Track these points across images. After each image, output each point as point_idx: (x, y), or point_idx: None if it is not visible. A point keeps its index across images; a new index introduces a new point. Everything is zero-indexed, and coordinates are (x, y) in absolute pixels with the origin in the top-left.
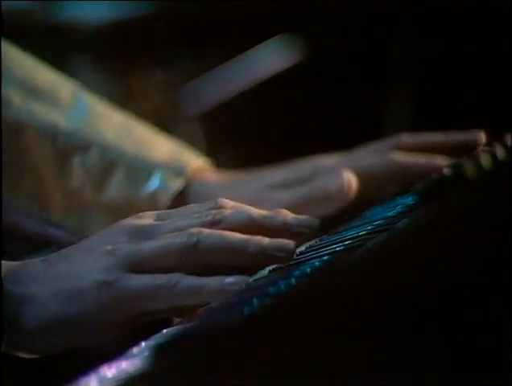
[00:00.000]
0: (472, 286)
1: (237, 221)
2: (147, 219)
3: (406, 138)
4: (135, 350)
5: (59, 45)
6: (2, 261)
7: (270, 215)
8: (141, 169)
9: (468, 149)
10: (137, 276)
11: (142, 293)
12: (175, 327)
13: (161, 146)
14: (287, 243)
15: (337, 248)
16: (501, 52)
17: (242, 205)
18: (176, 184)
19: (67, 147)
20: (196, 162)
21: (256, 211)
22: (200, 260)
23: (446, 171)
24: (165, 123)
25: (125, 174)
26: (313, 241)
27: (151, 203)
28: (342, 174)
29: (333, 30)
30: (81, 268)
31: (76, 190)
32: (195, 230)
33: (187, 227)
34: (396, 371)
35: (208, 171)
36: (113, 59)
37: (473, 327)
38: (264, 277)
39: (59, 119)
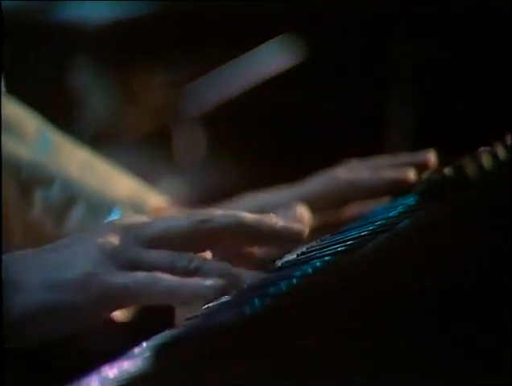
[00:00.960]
0: (473, 286)
1: (226, 223)
2: (139, 219)
3: (356, 164)
4: (137, 350)
5: (60, 45)
6: None
7: (259, 218)
8: (101, 204)
9: (419, 170)
10: (122, 273)
11: (125, 290)
12: (176, 328)
13: (122, 184)
14: (299, 227)
15: (339, 249)
16: (502, 52)
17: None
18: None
19: (30, 179)
20: (155, 199)
21: (246, 214)
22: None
23: (447, 171)
24: (166, 123)
25: (86, 209)
26: (314, 241)
27: None
28: (295, 208)
29: (334, 30)
30: (71, 259)
31: (37, 222)
32: (194, 256)
33: (178, 225)
34: (396, 371)
35: (167, 210)
36: (115, 60)
37: (473, 327)
38: (266, 277)
39: (24, 151)
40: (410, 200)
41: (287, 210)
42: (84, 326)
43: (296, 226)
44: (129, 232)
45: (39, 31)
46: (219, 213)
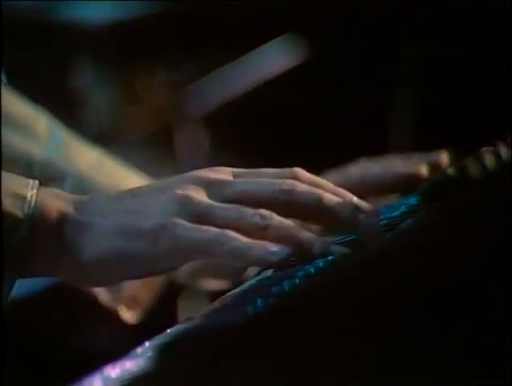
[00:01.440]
0: (474, 286)
1: (307, 200)
2: (223, 173)
3: (367, 161)
4: (139, 350)
5: (62, 45)
6: (71, 195)
7: (343, 203)
8: None
9: (432, 170)
10: (193, 227)
11: (193, 245)
12: (178, 327)
13: (132, 181)
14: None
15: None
16: (505, 52)
17: (320, 181)
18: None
19: (41, 177)
20: None
21: (330, 196)
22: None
23: (450, 171)
24: (168, 123)
25: None
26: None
27: None
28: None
29: (336, 30)
30: (147, 208)
31: None
32: (267, 213)
33: (258, 191)
34: (397, 371)
35: None
36: (117, 60)
37: (474, 327)
38: (268, 277)
39: (35, 149)
40: (413, 200)
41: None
42: (152, 274)
43: (375, 219)
44: (209, 187)
45: (41, 32)
46: (303, 188)
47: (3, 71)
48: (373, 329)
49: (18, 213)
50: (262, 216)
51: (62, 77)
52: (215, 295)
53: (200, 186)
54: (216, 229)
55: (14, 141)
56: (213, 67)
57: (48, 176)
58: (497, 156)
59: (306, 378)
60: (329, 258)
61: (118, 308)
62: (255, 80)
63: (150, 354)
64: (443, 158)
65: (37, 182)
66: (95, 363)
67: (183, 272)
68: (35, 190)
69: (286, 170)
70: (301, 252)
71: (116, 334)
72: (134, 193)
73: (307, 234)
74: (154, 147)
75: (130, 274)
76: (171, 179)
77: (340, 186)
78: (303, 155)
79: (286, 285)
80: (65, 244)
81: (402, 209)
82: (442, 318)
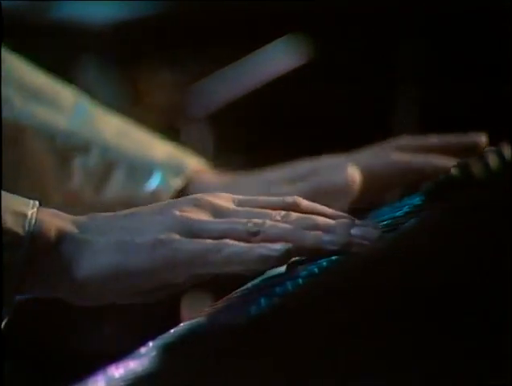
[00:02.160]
0: (475, 286)
1: (302, 220)
2: (225, 200)
3: (407, 140)
4: (143, 350)
5: (65, 45)
6: (70, 216)
7: (335, 224)
8: (141, 168)
9: (470, 151)
10: (189, 240)
11: (190, 256)
12: (182, 327)
13: (159, 147)
14: (372, 231)
15: None
16: (509, 52)
17: (319, 207)
18: (177, 183)
19: (67, 148)
20: (194, 162)
21: (322, 220)
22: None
23: (453, 171)
24: (172, 123)
25: (126, 174)
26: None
27: (152, 202)
28: (347, 168)
29: (340, 30)
30: (145, 226)
31: (77, 191)
32: (260, 221)
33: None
34: (397, 370)
35: (207, 172)
36: (120, 60)
37: (474, 327)
38: (271, 277)
39: (59, 120)
40: (416, 200)
41: (338, 170)
42: (150, 295)
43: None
44: (209, 211)
45: (44, 31)
46: (303, 216)
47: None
48: (376, 329)
49: (19, 230)
50: (256, 224)
51: (65, 77)
52: (218, 295)
53: (200, 209)
54: (212, 240)
55: (37, 112)
56: (217, 67)
57: (73, 147)
58: (501, 156)
59: (309, 378)
60: (333, 258)
61: None
62: (259, 80)
63: (153, 354)
64: (482, 139)
65: (37, 202)
66: (96, 364)
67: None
68: (35, 209)
69: (287, 199)
70: (301, 250)
71: (118, 334)
72: (133, 212)
73: (306, 232)
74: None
75: (130, 291)
76: (170, 202)
77: (382, 172)
78: (307, 155)
79: (289, 285)
80: (64, 263)
81: (406, 209)
82: (443, 317)
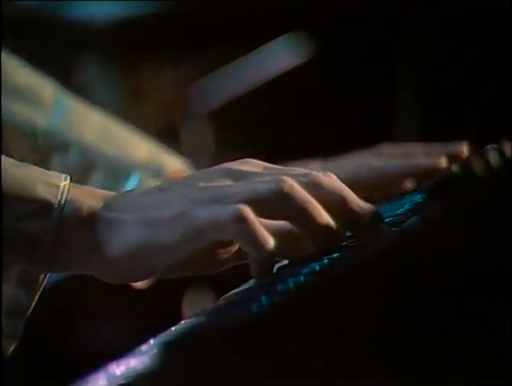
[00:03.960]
0: (476, 285)
1: (332, 189)
2: (254, 166)
3: (388, 147)
4: (144, 347)
5: (68, 43)
6: (103, 192)
7: (362, 205)
8: (120, 169)
9: (451, 160)
10: (207, 206)
11: (206, 222)
12: (183, 325)
13: (139, 147)
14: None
15: (346, 246)
16: (506, 52)
17: (344, 187)
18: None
19: (46, 146)
20: (174, 163)
21: (350, 193)
22: (287, 209)
23: (454, 169)
24: (174, 121)
25: (104, 174)
26: None
27: None
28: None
29: (342, 28)
30: (172, 200)
31: None
32: (288, 180)
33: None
34: (397, 370)
35: (184, 172)
36: (123, 58)
37: (474, 327)
38: (273, 274)
39: (39, 118)
40: (418, 197)
41: None
42: (177, 266)
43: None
44: (238, 178)
45: (47, 29)
46: (329, 182)
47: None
48: (377, 327)
49: (52, 199)
50: (280, 181)
51: (67, 74)
52: (220, 293)
53: (228, 178)
54: (233, 206)
55: (19, 109)
56: (218, 65)
57: (53, 146)
58: (501, 153)
59: (310, 376)
60: (334, 255)
61: None
62: (260, 78)
63: (154, 351)
64: (464, 148)
65: (69, 176)
66: (96, 363)
67: None
68: (67, 182)
69: (314, 171)
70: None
71: (118, 333)
72: (162, 188)
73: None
74: (160, 145)
75: (156, 266)
76: (196, 174)
77: (359, 177)
78: (308, 153)
79: (291, 283)
80: (95, 240)
81: (407, 206)
82: (443, 316)
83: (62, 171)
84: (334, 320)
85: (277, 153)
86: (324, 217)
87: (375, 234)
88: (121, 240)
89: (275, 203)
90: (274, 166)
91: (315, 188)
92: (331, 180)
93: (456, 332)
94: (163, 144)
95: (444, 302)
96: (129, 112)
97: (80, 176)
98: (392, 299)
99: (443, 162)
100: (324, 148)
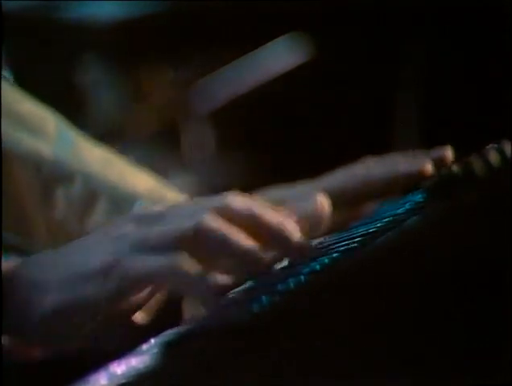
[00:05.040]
0: (477, 285)
1: (241, 211)
2: (155, 208)
3: (374, 160)
4: (145, 347)
5: (69, 43)
6: (15, 257)
7: (276, 218)
8: (124, 199)
9: (437, 166)
10: (141, 256)
11: (144, 273)
12: (184, 324)
13: (140, 179)
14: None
15: (346, 246)
16: (506, 52)
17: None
18: None
19: (51, 177)
20: (173, 195)
21: (264, 210)
22: (206, 244)
23: (454, 169)
24: (175, 121)
25: (109, 204)
26: (322, 238)
27: None
28: (315, 196)
29: (342, 28)
30: (91, 253)
31: (60, 220)
32: (202, 213)
33: (193, 213)
34: (396, 370)
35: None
36: (124, 58)
37: (474, 327)
38: (273, 274)
39: (44, 148)
40: (418, 197)
41: (308, 200)
42: (110, 323)
43: (306, 244)
44: (145, 221)
45: (49, 30)
46: (239, 203)
47: (10, 70)
48: (377, 326)
49: None
50: (200, 217)
51: (69, 75)
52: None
53: (136, 223)
54: (165, 256)
55: (23, 138)
56: (218, 65)
57: (57, 177)
58: (502, 153)
59: (311, 376)
60: (334, 255)
61: None
62: (260, 79)
63: (155, 351)
64: (448, 153)
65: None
66: (96, 363)
67: None
68: None
69: (222, 196)
70: (242, 261)
71: (118, 333)
72: (71, 245)
73: (249, 241)
74: (161, 145)
75: (88, 326)
76: (107, 226)
77: (345, 187)
78: (308, 153)
79: (291, 283)
80: (17, 305)
81: (407, 206)
82: (443, 316)
83: (67, 201)
84: (334, 320)
85: (277, 154)
86: (243, 246)
87: (295, 246)
88: (41, 303)
89: (199, 244)
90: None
91: (229, 215)
92: (241, 201)
93: (456, 332)
94: (164, 144)
95: (445, 302)
96: (130, 112)
97: (84, 206)
98: (392, 299)
99: (427, 166)
100: (324, 148)
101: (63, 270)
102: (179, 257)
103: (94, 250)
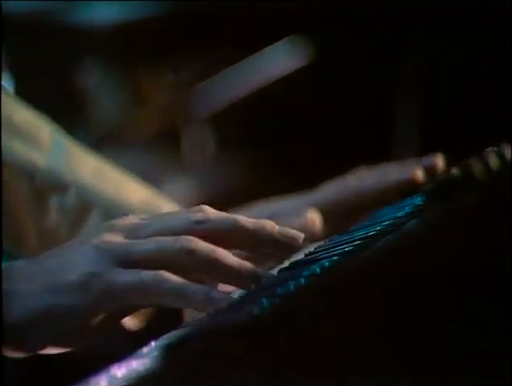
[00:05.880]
0: (477, 286)
1: (222, 225)
2: (134, 219)
3: (366, 170)
4: (145, 349)
5: (69, 46)
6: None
7: (258, 223)
8: (117, 210)
9: (428, 173)
10: (124, 271)
11: (128, 288)
12: (184, 327)
13: (135, 190)
14: (296, 233)
15: (347, 248)
16: (506, 52)
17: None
18: None
19: (44, 186)
20: (168, 206)
21: (243, 218)
22: (190, 265)
23: (454, 172)
24: (175, 124)
25: (102, 215)
26: (323, 241)
27: None
28: (305, 212)
29: (342, 31)
30: (69, 262)
31: (53, 229)
32: (188, 237)
33: (173, 226)
34: (396, 370)
35: None
36: (124, 61)
37: (474, 327)
38: (274, 277)
39: (38, 158)
40: (418, 200)
41: (298, 215)
42: (89, 332)
43: (294, 231)
44: (125, 231)
45: (49, 32)
46: (216, 215)
47: (10, 71)
48: (378, 328)
49: None
50: (185, 240)
51: (69, 78)
52: None
53: (116, 232)
54: (149, 271)
55: (18, 149)
56: (219, 68)
57: (51, 186)
58: (501, 156)
59: (311, 378)
60: (334, 258)
61: None
62: (261, 82)
63: (156, 353)
64: (438, 160)
65: None
66: (96, 364)
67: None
68: None
69: (194, 207)
70: (230, 278)
71: (119, 334)
72: (51, 253)
73: (234, 258)
74: (161, 148)
75: (62, 334)
76: (83, 234)
77: (337, 199)
78: (309, 155)
79: (291, 285)
80: None
81: (407, 209)
82: (443, 317)
83: (60, 211)
84: (335, 322)
85: (277, 157)
86: (228, 260)
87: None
88: (24, 307)
89: (184, 264)
90: (154, 215)
91: (205, 225)
92: (217, 214)
93: (456, 332)
94: (164, 147)
95: (444, 304)
96: (130, 115)
97: (77, 217)
98: (392, 302)
99: (418, 174)
100: (324, 150)
101: (42, 278)
102: (163, 273)
103: (75, 260)
